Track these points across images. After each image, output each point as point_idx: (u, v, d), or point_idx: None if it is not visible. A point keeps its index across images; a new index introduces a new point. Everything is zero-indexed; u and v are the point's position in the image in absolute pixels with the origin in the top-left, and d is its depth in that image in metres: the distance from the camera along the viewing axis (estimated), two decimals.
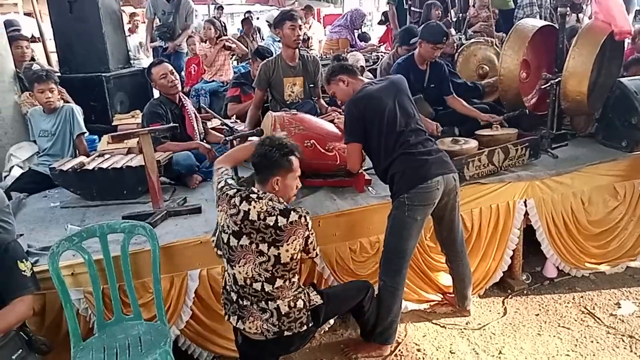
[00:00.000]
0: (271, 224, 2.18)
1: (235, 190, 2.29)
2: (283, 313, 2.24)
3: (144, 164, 2.96)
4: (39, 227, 2.96)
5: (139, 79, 5.36)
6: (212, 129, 4.08)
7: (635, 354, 2.69)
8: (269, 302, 2.24)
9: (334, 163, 3.15)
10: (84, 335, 2.43)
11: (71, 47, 5.03)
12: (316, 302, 2.36)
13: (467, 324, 3.05)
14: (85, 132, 3.90)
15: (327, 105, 4.14)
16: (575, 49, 3.54)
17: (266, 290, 2.23)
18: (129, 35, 7.08)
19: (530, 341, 2.87)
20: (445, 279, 3.21)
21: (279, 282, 2.23)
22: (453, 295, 3.16)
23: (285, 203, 2.26)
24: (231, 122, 3.93)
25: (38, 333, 2.37)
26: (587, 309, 3.11)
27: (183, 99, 3.77)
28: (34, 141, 4.06)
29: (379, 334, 2.78)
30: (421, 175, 2.62)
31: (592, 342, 2.82)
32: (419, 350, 2.86)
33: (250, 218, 2.20)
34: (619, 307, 3.10)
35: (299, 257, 2.27)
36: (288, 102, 4.02)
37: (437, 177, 2.63)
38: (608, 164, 3.49)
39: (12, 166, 4.01)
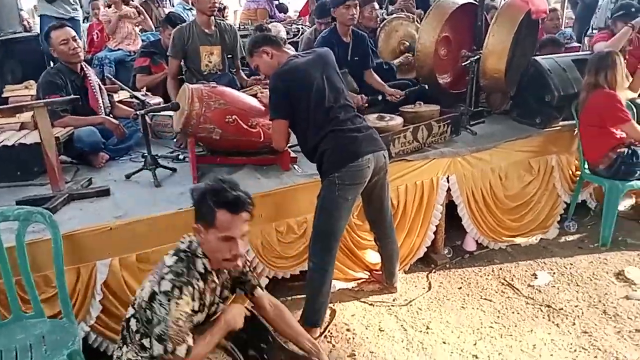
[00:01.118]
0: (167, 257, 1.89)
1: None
2: None
3: (40, 141, 2.62)
4: None
5: (33, 45, 4.82)
6: (119, 102, 3.74)
7: (553, 322, 2.80)
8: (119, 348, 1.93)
9: (258, 140, 2.98)
10: None
11: None
12: None
13: (394, 300, 3.04)
14: None
15: (247, 78, 3.93)
16: (494, 26, 3.59)
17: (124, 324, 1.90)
18: None
19: (455, 314, 2.91)
20: (372, 257, 3.18)
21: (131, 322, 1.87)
22: (380, 272, 3.13)
23: (182, 255, 1.84)
24: (142, 95, 3.61)
25: None
26: (506, 281, 3.21)
27: (85, 69, 3.40)
28: None
29: (308, 317, 2.68)
30: (352, 153, 2.52)
31: (513, 313, 2.91)
32: (348, 330, 2.80)
33: None
34: (536, 278, 3.22)
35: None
36: (205, 73, 3.77)
37: (368, 154, 2.54)
38: (524, 140, 3.60)
39: None
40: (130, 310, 1.87)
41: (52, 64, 4.02)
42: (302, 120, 2.62)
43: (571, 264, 3.35)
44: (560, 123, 3.76)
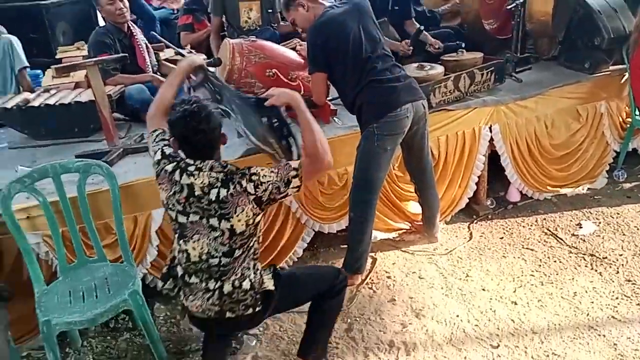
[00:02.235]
0: (214, 198, 1.87)
1: (174, 163, 1.95)
2: (225, 292, 1.96)
3: (94, 98, 2.77)
4: None
5: (82, 6, 4.97)
6: (166, 60, 3.84)
7: (596, 271, 2.80)
8: (216, 282, 1.96)
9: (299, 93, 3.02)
10: (47, 280, 2.33)
11: None
12: (267, 286, 2.03)
13: (434, 249, 3.11)
14: (27, 66, 3.61)
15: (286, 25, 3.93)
16: None
17: (222, 263, 1.93)
18: None
19: (495, 263, 2.95)
20: (413, 208, 3.23)
21: (237, 253, 1.94)
22: (421, 223, 3.19)
23: (226, 169, 1.92)
24: (187, 52, 3.70)
25: None
26: (549, 231, 3.20)
27: (132, 28, 3.50)
28: None
29: (350, 265, 2.79)
30: (390, 103, 2.54)
31: (555, 261, 2.92)
32: (389, 277, 2.90)
33: (195, 194, 1.89)
34: (580, 228, 3.20)
35: (257, 219, 1.96)
36: (245, 29, 3.81)
37: (407, 104, 2.55)
38: (571, 86, 3.49)
39: None
40: (214, 260, 1.92)
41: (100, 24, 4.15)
42: (340, 72, 2.64)
43: (618, 214, 3.29)
44: (611, 68, 3.60)
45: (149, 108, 2.20)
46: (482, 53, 3.51)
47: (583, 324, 2.44)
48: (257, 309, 2.00)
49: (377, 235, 3.14)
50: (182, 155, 1.97)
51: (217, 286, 1.95)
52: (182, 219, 1.94)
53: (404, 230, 3.25)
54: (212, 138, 1.93)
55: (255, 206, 1.91)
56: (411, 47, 3.50)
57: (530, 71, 3.78)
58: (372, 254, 3.00)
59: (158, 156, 2.00)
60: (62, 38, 4.73)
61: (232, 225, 1.89)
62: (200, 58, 2.13)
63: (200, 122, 1.87)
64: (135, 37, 3.48)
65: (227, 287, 1.95)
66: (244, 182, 1.89)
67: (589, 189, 3.62)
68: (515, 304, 2.62)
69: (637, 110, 3.47)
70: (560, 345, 2.33)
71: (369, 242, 2.79)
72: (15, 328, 2.38)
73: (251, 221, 1.92)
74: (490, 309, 2.59)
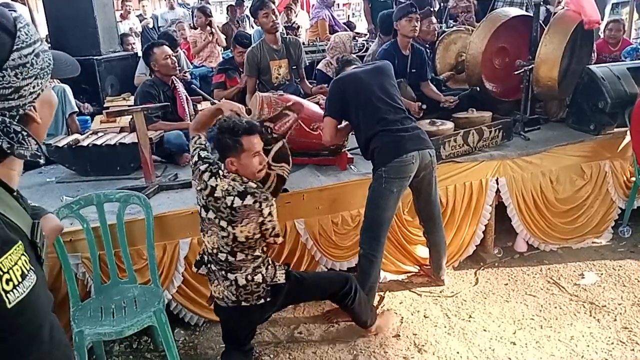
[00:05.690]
0: (228, 204, 2.19)
1: (207, 164, 2.32)
2: (240, 285, 2.27)
3: (136, 141, 3.12)
4: (36, 199, 3.09)
5: (129, 62, 5.51)
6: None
7: (594, 318, 2.91)
8: (229, 273, 2.29)
9: (318, 142, 3.32)
10: (82, 297, 2.59)
11: (63, 32, 5.14)
12: (278, 280, 2.36)
13: (441, 292, 3.26)
14: (76, 111, 4.03)
15: (310, 87, 4.33)
16: (546, 37, 3.75)
17: (229, 260, 2.27)
18: (121, 21, 7.20)
19: (498, 307, 3.08)
20: (421, 252, 3.41)
21: (240, 256, 2.27)
22: (429, 266, 3.37)
23: (249, 183, 2.24)
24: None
25: None
26: (552, 279, 3.33)
27: (175, 81, 3.92)
28: None
29: None
30: (397, 150, 2.81)
31: (555, 308, 3.04)
32: (395, 315, 3.06)
33: (215, 195, 2.22)
34: (583, 278, 3.32)
35: (257, 236, 2.25)
36: (275, 85, 4.19)
37: (413, 152, 2.82)
38: (575, 145, 3.71)
39: None
40: (222, 255, 2.27)
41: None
42: (356, 121, 2.96)
43: (620, 266, 3.41)
44: (615, 130, 3.83)
45: (192, 124, 2.62)
46: (495, 113, 3.80)
47: None
48: (268, 299, 2.33)
49: (387, 276, 3.32)
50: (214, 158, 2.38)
51: (233, 278, 2.28)
52: (203, 213, 2.30)
53: (413, 273, 3.43)
54: (228, 146, 2.25)
55: (256, 228, 2.22)
56: (421, 112, 3.79)
57: (539, 131, 4.03)
58: (381, 292, 3.17)
59: (195, 158, 2.38)
60: (110, 89, 5.24)
61: (234, 233, 2.21)
62: (238, 106, 2.49)
63: (223, 131, 2.24)
64: (177, 89, 3.90)
65: (241, 280, 2.28)
66: (264, 205, 2.20)
67: (594, 242, 3.75)
68: (514, 344, 2.74)
69: None
70: None
71: (377, 278, 2.97)
72: None
73: (251, 237, 2.23)
74: (490, 347, 2.72)
